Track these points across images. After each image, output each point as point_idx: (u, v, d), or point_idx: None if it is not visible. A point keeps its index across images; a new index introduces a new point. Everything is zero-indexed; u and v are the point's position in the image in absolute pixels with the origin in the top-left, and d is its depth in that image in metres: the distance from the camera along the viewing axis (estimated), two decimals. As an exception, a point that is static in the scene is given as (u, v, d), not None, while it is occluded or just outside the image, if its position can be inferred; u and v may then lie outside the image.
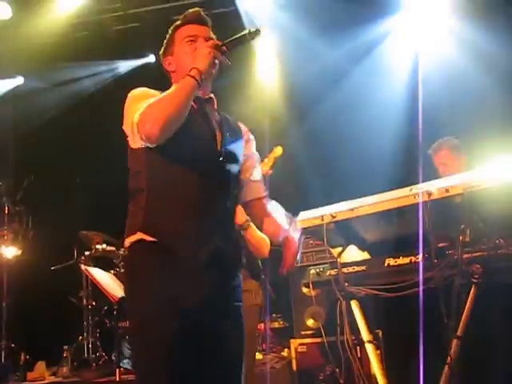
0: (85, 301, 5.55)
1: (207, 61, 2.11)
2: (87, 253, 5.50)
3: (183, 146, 2.10)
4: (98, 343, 5.39)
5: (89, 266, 5.30)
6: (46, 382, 5.16)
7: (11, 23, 6.14)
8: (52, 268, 5.60)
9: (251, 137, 2.44)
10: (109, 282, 4.95)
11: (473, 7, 5.34)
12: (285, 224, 2.37)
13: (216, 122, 2.26)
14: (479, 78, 5.20)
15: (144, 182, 2.13)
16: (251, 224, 3.47)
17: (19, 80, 6.83)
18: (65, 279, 5.55)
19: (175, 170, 2.11)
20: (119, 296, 4.71)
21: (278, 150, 3.73)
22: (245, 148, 2.37)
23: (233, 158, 2.26)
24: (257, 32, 2.17)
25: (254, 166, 2.42)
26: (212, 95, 2.32)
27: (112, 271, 5.29)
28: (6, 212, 5.67)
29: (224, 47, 2.16)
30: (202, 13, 2.33)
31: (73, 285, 5.65)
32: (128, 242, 2.13)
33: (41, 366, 5.36)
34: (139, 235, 2.09)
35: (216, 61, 2.16)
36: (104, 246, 5.46)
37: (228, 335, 2.11)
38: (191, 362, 2.02)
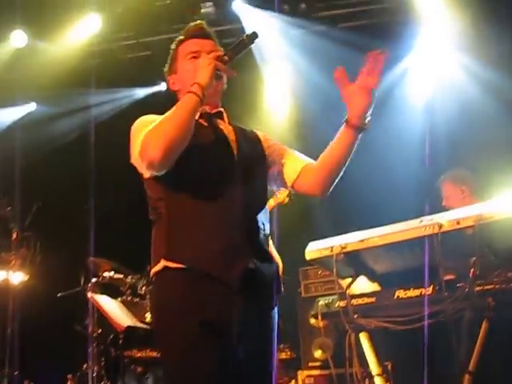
0: (90, 328, 5.50)
1: (208, 73, 1.98)
2: (94, 280, 5.47)
3: (198, 165, 1.99)
4: (102, 372, 5.33)
5: (96, 293, 5.26)
6: (49, 410, 5.12)
7: (26, 51, 6.24)
8: (58, 295, 5.57)
9: (266, 135, 2.29)
10: (115, 311, 4.90)
11: (482, 43, 5.37)
12: None
13: (229, 134, 2.13)
14: (492, 110, 5.22)
15: (162, 209, 2.02)
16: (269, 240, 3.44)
17: (32, 106, 6.90)
18: (71, 306, 5.51)
19: (193, 191, 1.98)
20: (125, 325, 4.66)
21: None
22: (265, 146, 2.23)
23: (253, 164, 2.13)
24: (254, 35, 2.06)
25: (281, 151, 2.24)
26: (221, 109, 2.20)
27: (120, 298, 5.26)
28: (14, 237, 5.67)
29: (225, 57, 2.04)
30: (205, 26, 2.21)
31: (79, 312, 5.60)
32: (153, 271, 2.02)
33: (44, 394, 5.30)
34: (163, 263, 1.98)
35: (220, 73, 2.04)
36: (111, 273, 5.43)
37: (259, 360, 2.01)
38: None
